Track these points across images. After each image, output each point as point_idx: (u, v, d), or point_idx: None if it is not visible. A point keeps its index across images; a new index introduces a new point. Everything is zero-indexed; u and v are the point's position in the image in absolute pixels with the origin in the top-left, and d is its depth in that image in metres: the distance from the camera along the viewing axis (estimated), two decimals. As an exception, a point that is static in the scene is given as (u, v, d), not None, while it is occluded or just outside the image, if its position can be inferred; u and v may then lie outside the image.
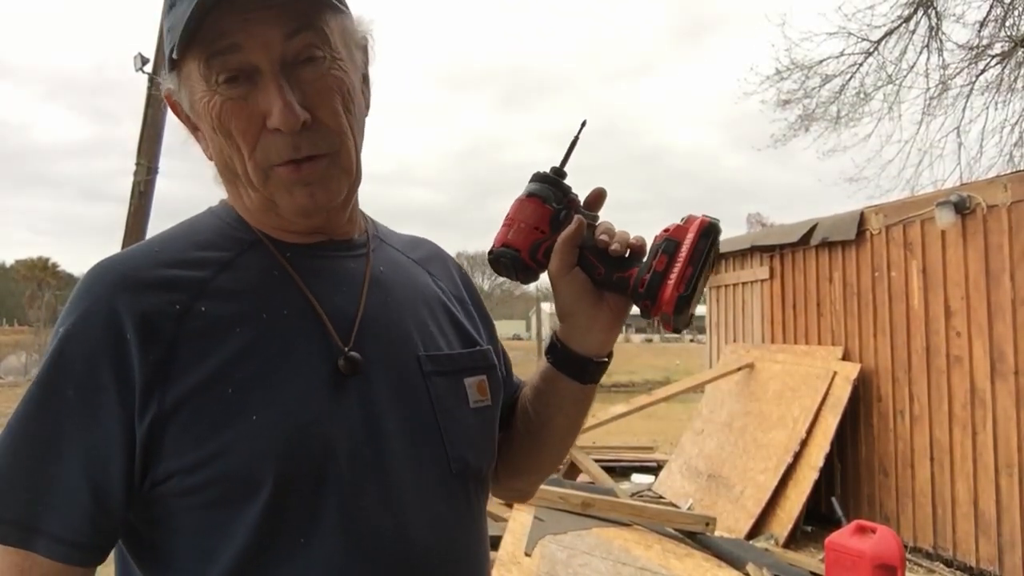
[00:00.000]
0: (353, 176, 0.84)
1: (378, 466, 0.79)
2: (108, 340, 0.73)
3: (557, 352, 0.94)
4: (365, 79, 0.88)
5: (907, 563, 4.53)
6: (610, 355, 0.95)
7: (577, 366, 0.93)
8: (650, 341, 58.45)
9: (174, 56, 0.78)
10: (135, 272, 0.77)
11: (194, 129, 0.84)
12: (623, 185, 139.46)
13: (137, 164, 7.43)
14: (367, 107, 0.89)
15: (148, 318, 0.74)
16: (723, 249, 7.57)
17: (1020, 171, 6.15)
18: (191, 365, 0.74)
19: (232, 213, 0.87)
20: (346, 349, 0.80)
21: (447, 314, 0.94)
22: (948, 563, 4.91)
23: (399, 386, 0.83)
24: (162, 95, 0.86)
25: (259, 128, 0.77)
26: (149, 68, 7.40)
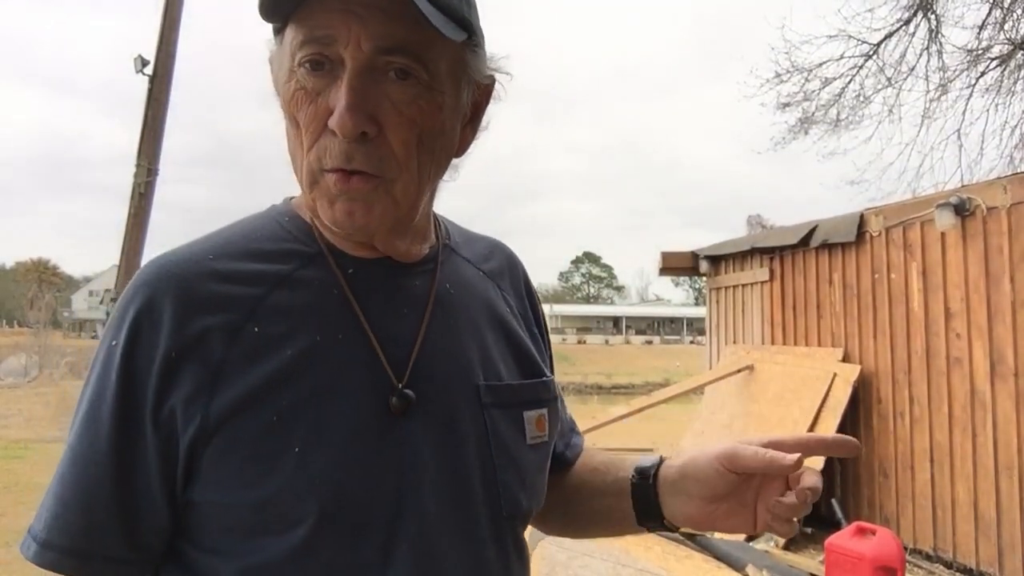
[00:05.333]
0: (403, 212, 0.75)
1: (423, 510, 0.74)
2: (153, 359, 0.71)
3: (647, 494, 0.89)
4: (471, 121, 0.81)
5: (907, 565, 4.53)
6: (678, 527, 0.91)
7: (651, 516, 0.90)
8: (650, 343, 58.42)
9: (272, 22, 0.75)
10: (186, 285, 0.73)
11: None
12: (640, 193, 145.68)
13: (137, 165, 7.44)
14: (462, 151, 0.81)
15: (198, 338, 0.71)
16: (723, 251, 7.58)
17: (1020, 173, 6.16)
18: (237, 386, 0.71)
19: (296, 218, 0.81)
20: (400, 386, 0.75)
21: (512, 337, 0.89)
22: (948, 565, 4.91)
23: (453, 421, 0.78)
24: (267, 58, 0.80)
25: (322, 125, 0.71)
26: (149, 70, 7.42)
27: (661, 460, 0.90)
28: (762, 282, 7.00)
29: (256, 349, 0.72)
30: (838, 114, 10.01)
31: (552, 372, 0.95)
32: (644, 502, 0.90)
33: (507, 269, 0.95)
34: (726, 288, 7.66)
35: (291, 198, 0.85)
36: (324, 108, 0.71)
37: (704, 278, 8.10)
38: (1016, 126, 9.43)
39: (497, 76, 0.82)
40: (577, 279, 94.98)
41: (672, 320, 70.47)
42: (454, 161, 0.82)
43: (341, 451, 0.72)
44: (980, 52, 9.25)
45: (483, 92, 0.81)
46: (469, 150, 0.83)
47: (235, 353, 0.71)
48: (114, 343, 0.72)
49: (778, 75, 9.92)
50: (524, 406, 0.85)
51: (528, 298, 0.96)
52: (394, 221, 0.76)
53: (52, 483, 0.74)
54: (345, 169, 0.71)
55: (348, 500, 0.71)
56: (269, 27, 0.77)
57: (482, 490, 0.79)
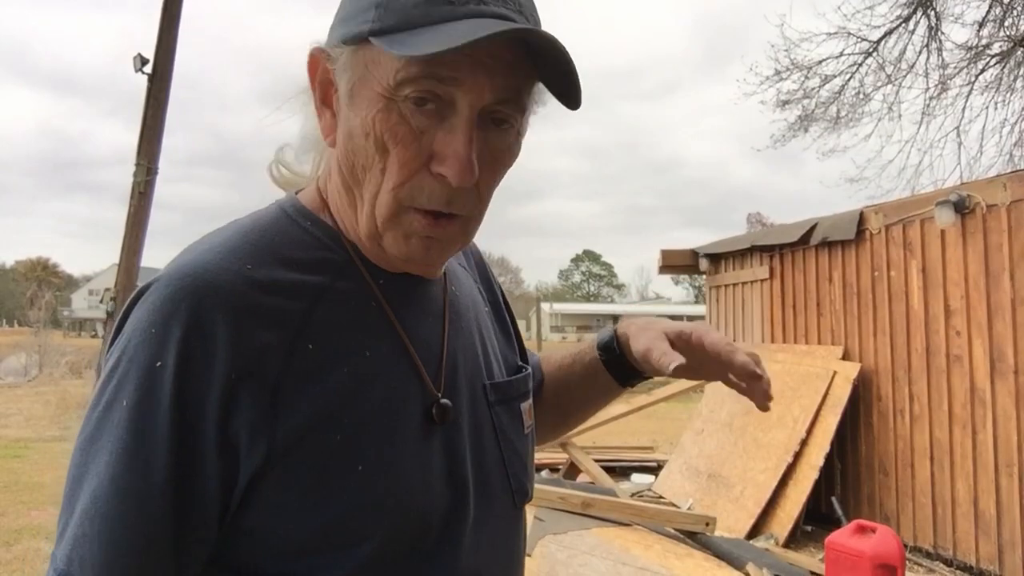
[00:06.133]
0: (466, 245, 0.81)
1: (464, 514, 0.77)
2: (211, 383, 0.66)
3: (613, 355, 0.97)
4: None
5: (907, 563, 4.54)
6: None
7: (625, 373, 0.98)
8: (650, 341, 58.30)
9: (372, 39, 0.67)
10: (234, 299, 0.68)
11: (323, 103, 0.75)
12: (640, 192, 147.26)
13: (137, 164, 7.44)
14: None
15: (257, 357, 0.67)
16: (723, 249, 7.58)
17: (1019, 170, 6.15)
18: (301, 409, 0.68)
19: (318, 222, 0.77)
20: (439, 396, 0.77)
21: (495, 331, 0.92)
22: (948, 562, 4.91)
23: (473, 423, 0.81)
24: (310, 49, 0.74)
25: (421, 165, 0.69)
26: (148, 69, 7.41)
27: (615, 332, 0.98)
28: (762, 280, 7.00)
29: (313, 368, 0.70)
30: (838, 111, 10.03)
31: (522, 345, 1.00)
32: (620, 371, 0.98)
33: (468, 255, 0.97)
34: (726, 286, 7.66)
35: (297, 192, 0.82)
36: (427, 147, 0.69)
37: (704, 276, 8.10)
38: (1016, 123, 9.44)
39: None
40: (577, 277, 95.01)
41: (672, 318, 70.28)
42: None
43: (400, 466, 0.72)
44: (980, 49, 9.25)
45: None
46: None
47: (293, 373, 0.68)
48: (159, 364, 0.65)
49: (778, 72, 9.93)
50: (519, 398, 0.89)
51: (491, 279, 0.99)
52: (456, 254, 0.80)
53: (87, 521, 0.66)
54: (442, 212, 0.71)
55: (411, 514, 0.72)
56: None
57: (498, 485, 0.82)
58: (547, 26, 0.73)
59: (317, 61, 0.74)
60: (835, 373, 5.71)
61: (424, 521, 0.73)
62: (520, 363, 0.94)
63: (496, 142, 0.72)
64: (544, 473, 6.96)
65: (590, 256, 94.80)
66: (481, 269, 0.98)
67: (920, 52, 9.53)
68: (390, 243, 0.73)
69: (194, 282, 0.68)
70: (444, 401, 0.77)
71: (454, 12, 0.67)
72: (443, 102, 0.68)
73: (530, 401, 0.91)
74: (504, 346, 0.94)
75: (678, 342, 0.90)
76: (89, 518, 0.66)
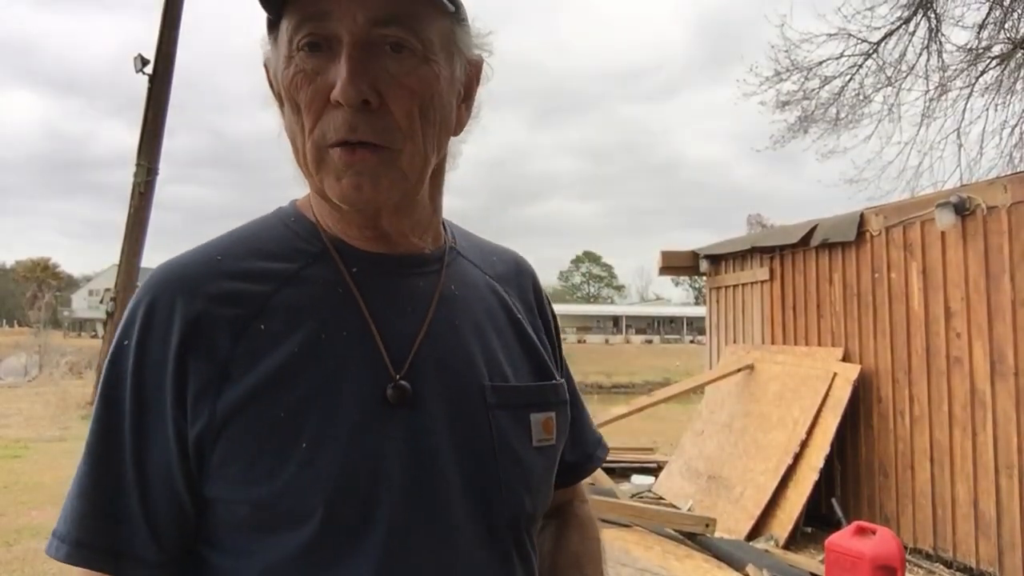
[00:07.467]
0: (412, 184, 0.77)
1: (427, 506, 0.74)
2: (166, 355, 0.72)
3: None
4: (465, 99, 0.83)
5: (907, 564, 4.53)
6: None
7: None
8: (650, 342, 58.45)
9: (269, 16, 0.76)
10: (195, 284, 0.75)
11: (280, 102, 0.79)
12: (641, 194, 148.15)
13: (137, 165, 7.46)
14: (459, 130, 0.83)
15: (206, 334, 0.73)
16: (723, 250, 7.58)
17: (1020, 172, 6.16)
18: (243, 383, 0.72)
19: (301, 218, 0.83)
20: (397, 377, 0.75)
21: (520, 340, 0.88)
22: (948, 564, 4.91)
23: (457, 418, 0.78)
24: (262, 61, 0.81)
25: (324, 103, 0.72)
26: (149, 69, 7.44)
27: None
28: (762, 281, 7.00)
29: (261, 346, 0.73)
30: (837, 113, 10.02)
31: (564, 377, 0.94)
32: None
33: (514, 276, 0.95)
34: (726, 288, 7.66)
35: (296, 200, 0.86)
36: (325, 86, 0.72)
37: (704, 277, 8.10)
38: (1016, 125, 9.44)
39: (484, 56, 0.84)
40: (577, 278, 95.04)
41: (672, 319, 70.55)
42: (454, 145, 0.84)
43: (344, 445, 0.72)
44: (980, 51, 9.25)
45: (474, 70, 0.83)
46: (465, 130, 0.84)
47: (241, 350, 0.73)
48: (125, 342, 0.74)
49: (778, 73, 9.93)
50: (531, 408, 0.84)
51: (538, 306, 0.95)
52: (402, 194, 0.77)
53: (73, 485, 0.74)
54: (350, 141, 0.72)
55: (353, 493, 0.72)
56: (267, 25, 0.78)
57: (485, 490, 0.78)
58: (548, 27, 0.74)
59: (267, 69, 0.80)
60: (835, 375, 5.71)
61: (367, 503, 0.72)
62: (555, 376, 0.90)
63: (396, 68, 0.73)
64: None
65: (590, 257, 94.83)
66: (526, 292, 0.95)
67: (920, 54, 9.53)
68: (329, 190, 0.75)
69: (165, 273, 0.77)
70: (402, 383, 0.75)
71: None
72: (331, 41, 0.72)
73: (549, 415, 0.86)
74: (540, 361, 0.89)
75: None
76: (74, 480, 0.75)
